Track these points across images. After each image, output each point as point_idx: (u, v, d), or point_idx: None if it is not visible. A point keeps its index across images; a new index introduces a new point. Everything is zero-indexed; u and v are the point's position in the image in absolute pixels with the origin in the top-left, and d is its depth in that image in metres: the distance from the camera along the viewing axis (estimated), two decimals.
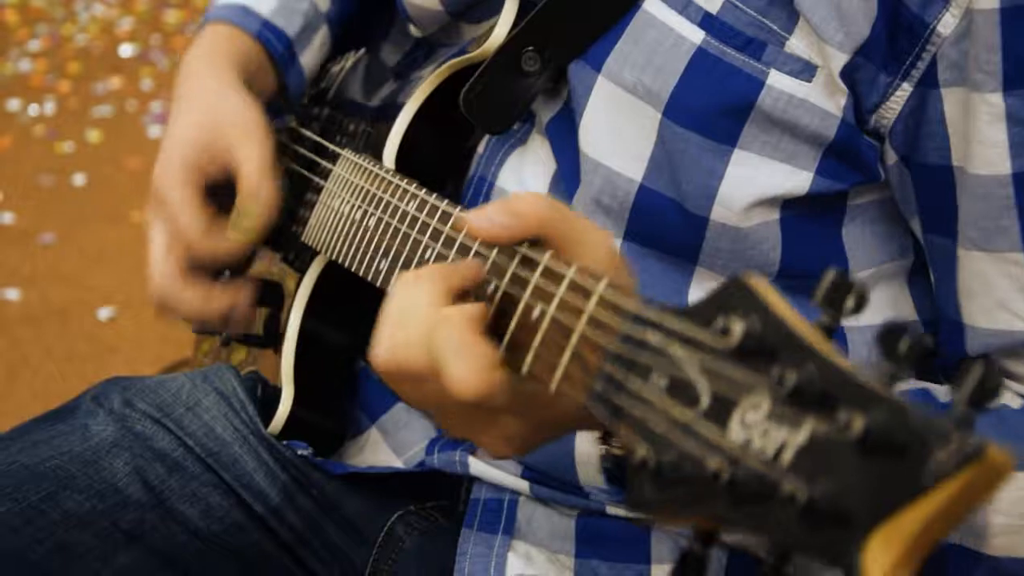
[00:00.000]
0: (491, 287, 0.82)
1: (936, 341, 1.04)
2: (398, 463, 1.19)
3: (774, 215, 1.01)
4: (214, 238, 1.15)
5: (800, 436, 0.57)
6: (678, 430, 0.63)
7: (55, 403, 2.67)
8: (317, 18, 1.32)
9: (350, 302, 1.18)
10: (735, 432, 0.60)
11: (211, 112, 1.18)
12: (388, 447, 1.21)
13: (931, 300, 1.07)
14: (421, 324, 0.78)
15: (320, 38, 1.32)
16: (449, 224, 0.92)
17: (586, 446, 1.05)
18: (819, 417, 0.57)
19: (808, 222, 1.02)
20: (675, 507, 0.63)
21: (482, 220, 0.82)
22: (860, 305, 0.61)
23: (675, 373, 0.65)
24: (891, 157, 1.00)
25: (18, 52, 4.40)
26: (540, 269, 0.78)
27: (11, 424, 2.64)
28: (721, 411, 0.62)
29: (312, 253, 1.19)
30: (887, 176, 1.01)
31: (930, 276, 1.05)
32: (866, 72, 0.96)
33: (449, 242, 0.91)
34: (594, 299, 0.74)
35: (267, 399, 1.22)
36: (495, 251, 0.83)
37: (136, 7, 4.79)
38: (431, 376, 0.77)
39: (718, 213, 1.00)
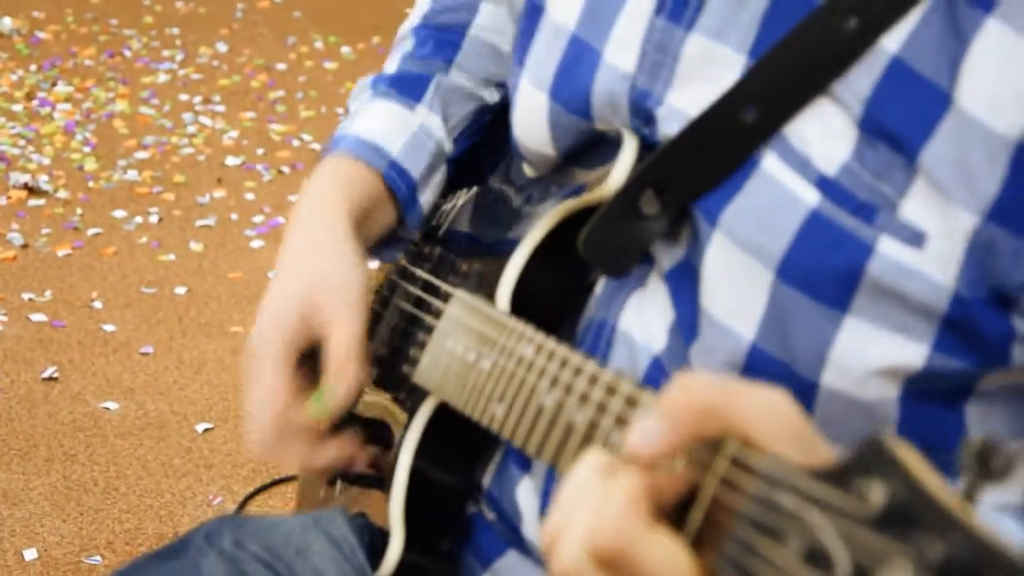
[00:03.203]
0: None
1: None
2: None
3: (893, 390, 0.97)
4: (302, 407, 1.15)
5: None
6: None
7: (150, 518, 2.71)
8: (440, 158, 1.33)
9: (463, 444, 1.16)
10: None
11: (311, 279, 1.17)
12: None
13: None
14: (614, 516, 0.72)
15: (440, 176, 1.33)
16: (570, 371, 0.91)
17: None
18: None
19: (929, 400, 0.97)
20: None
21: (642, 439, 0.73)
22: (1006, 472, 0.59)
23: (810, 538, 0.63)
24: None
25: (125, 163, 4.48)
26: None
27: (106, 538, 2.67)
28: None
29: (423, 393, 1.17)
30: None
31: None
32: (1006, 243, 0.89)
33: (567, 389, 0.91)
34: (723, 458, 0.71)
35: (375, 542, 1.19)
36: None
37: (242, 119, 4.87)
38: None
39: (829, 379, 0.97)
